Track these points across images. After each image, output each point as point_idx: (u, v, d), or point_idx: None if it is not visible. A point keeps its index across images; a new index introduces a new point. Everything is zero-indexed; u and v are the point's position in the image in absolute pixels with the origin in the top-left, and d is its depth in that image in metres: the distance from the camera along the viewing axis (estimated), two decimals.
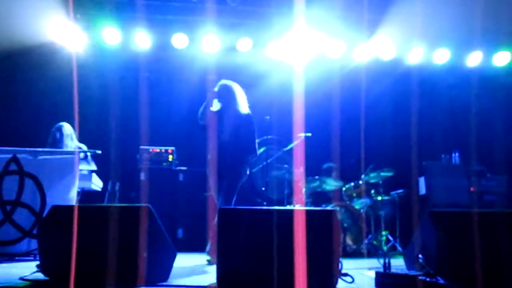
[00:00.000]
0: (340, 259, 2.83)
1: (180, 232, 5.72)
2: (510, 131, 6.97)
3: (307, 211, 2.81)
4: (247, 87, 6.93)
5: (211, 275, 3.23)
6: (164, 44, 6.54)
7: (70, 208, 2.94)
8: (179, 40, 6.50)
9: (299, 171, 5.87)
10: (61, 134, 5.27)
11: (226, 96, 4.76)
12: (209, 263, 4.28)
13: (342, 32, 6.64)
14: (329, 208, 5.60)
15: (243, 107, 4.78)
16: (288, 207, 5.65)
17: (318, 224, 2.77)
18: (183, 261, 3.78)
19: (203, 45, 6.56)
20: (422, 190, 6.42)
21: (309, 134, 5.56)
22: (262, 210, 3.04)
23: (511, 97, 7.33)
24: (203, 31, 6.44)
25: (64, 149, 5.11)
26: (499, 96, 7.36)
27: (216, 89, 4.79)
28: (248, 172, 4.66)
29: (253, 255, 2.71)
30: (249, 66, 6.81)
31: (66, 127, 5.34)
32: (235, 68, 6.83)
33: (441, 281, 2.65)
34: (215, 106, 4.76)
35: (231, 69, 6.81)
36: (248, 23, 6.56)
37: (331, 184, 6.10)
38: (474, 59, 7.32)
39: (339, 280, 2.81)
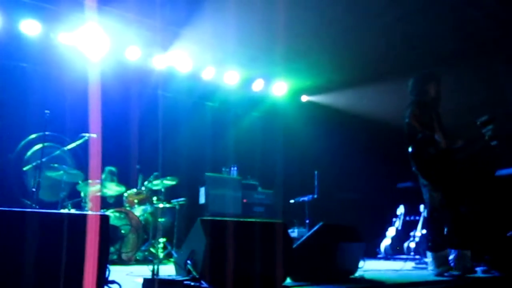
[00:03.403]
0: (108, 266, 2.73)
1: None
2: (279, 154, 8.05)
3: (69, 215, 2.65)
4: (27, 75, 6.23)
5: None
6: None
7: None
8: None
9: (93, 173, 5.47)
10: None
11: None
12: None
13: (138, 38, 6.63)
14: (107, 213, 5.38)
15: None
16: (62, 211, 5.21)
17: (84, 230, 2.61)
18: None
19: None
20: (202, 199, 6.80)
21: (94, 135, 5.27)
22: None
23: (287, 126, 8.47)
24: None
25: None
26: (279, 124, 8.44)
27: None
28: None
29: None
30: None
31: None
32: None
33: (205, 284, 2.80)
34: None
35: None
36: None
37: (111, 189, 5.89)
38: (258, 85, 8.18)
39: None
